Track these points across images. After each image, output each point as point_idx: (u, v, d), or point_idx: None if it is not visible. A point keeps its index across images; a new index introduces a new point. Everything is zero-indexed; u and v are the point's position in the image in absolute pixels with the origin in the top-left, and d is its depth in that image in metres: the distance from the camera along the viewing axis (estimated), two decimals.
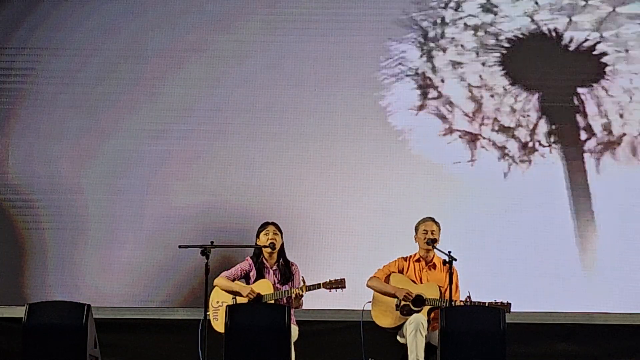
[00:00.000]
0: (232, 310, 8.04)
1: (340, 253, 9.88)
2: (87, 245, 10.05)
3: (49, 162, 10.15)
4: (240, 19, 10.22)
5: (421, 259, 8.91)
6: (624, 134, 9.98)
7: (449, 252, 8.47)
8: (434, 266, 8.89)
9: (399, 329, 8.73)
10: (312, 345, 9.40)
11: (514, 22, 10.08)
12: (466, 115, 10.04)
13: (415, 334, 8.47)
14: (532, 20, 10.05)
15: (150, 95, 10.18)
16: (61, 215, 10.09)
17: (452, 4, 10.11)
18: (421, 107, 10.07)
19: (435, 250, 8.82)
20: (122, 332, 9.84)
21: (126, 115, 10.18)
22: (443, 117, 10.04)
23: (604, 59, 10.01)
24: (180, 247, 8.71)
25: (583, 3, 10.06)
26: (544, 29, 10.05)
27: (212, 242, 8.44)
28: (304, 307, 8.85)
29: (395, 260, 8.94)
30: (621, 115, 9.99)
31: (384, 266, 8.93)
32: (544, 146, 9.99)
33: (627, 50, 10.02)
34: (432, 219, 8.94)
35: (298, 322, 8.84)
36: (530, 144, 9.99)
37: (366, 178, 10.00)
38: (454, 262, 8.46)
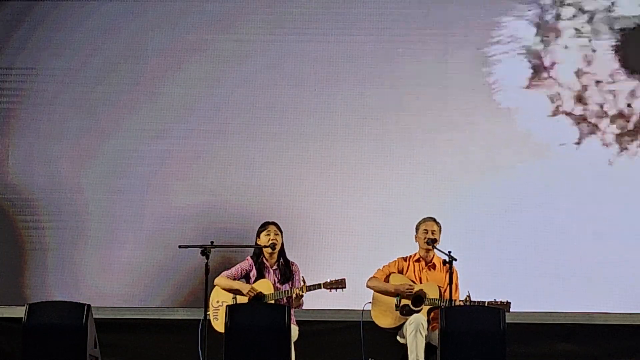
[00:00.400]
0: (232, 310, 8.04)
1: (340, 253, 9.88)
2: (87, 245, 10.05)
3: (49, 162, 10.15)
4: (240, 19, 10.22)
5: (421, 259, 8.91)
6: None
7: (449, 252, 8.47)
8: (434, 266, 8.89)
9: (399, 329, 8.73)
10: (312, 345, 9.40)
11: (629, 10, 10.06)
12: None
13: (415, 334, 8.47)
14: None
15: (150, 95, 10.18)
16: (61, 215, 10.09)
17: None
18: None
19: (435, 250, 8.82)
20: (122, 332, 9.84)
21: (126, 115, 10.18)
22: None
23: None
24: (180, 247, 8.71)
25: None
26: None
27: (212, 242, 8.44)
28: (304, 307, 8.85)
29: (395, 261, 8.94)
30: None
31: (383, 266, 8.93)
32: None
33: None
34: (433, 219, 8.94)
35: (298, 322, 8.84)
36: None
37: (366, 178, 10.00)
38: (454, 262, 8.46)
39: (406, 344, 8.56)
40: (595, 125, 10.00)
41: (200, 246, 8.41)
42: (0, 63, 10.26)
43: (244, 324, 7.95)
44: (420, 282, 8.81)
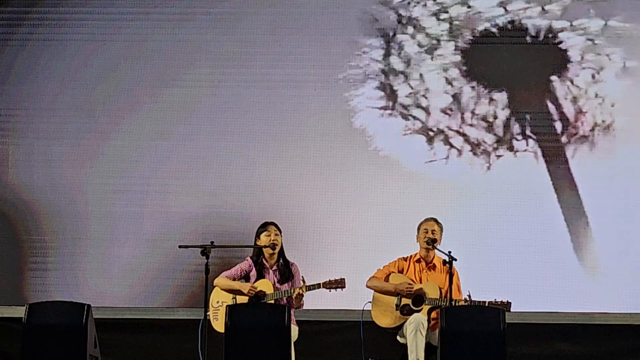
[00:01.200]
0: (232, 310, 8.04)
1: (340, 253, 9.87)
2: (87, 245, 10.05)
3: (49, 163, 10.15)
4: (240, 19, 10.22)
5: (421, 259, 8.91)
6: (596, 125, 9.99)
7: (449, 252, 8.47)
8: (434, 267, 8.88)
9: (399, 328, 8.72)
10: (312, 345, 9.40)
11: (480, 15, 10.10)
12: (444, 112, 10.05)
13: (415, 334, 8.47)
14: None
15: (151, 95, 10.18)
16: (61, 215, 10.08)
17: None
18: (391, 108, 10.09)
19: (435, 250, 8.82)
20: (122, 332, 9.84)
21: (126, 115, 10.18)
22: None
23: (570, 50, 10.01)
24: (180, 247, 8.71)
25: None
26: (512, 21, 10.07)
27: (212, 242, 8.44)
28: (304, 307, 8.85)
29: (395, 261, 8.94)
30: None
31: (383, 266, 8.93)
32: (518, 140, 9.99)
33: (592, 41, 9.99)
34: (435, 220, 8.94)
35: (298, 322, 8.84)
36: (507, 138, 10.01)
37: (366, 178, 10.00)
38: (454, 262, 8.46)
39: (406, 344, 8.55)
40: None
41: (200, 246, 8.41)
42: (0, 63, 10.26)
43: (244, 324, 7.95)
44: (421, 282, 8.81)
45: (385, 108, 10.10)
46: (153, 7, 10.27)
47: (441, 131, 10.03)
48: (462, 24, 10.04)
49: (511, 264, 9.80)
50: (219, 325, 8.61)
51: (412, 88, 10.06)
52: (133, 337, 9.91)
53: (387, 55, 10.12)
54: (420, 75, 10.08)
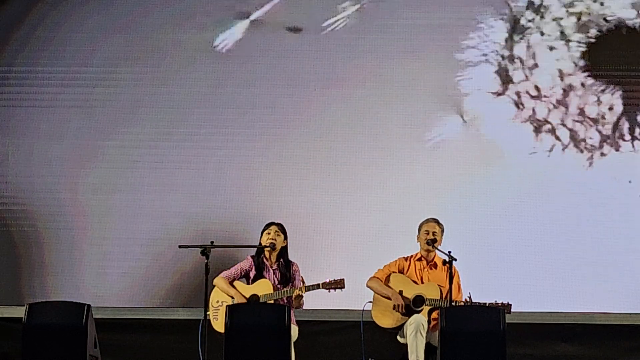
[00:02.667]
0: (232, 310, 8.04)
1: (340, 253, 9.88)
2: (86, 245, 10.05)
3: (49, 163, 10.15)
4: (241, 19, 10.22)
5: (422, 258, 8.92)
6: None
7: (449, 252, 8.47)
8: (435, 266, 8.89)
9: (399, 329, 8.73)
10: (312, 345, 9.40)
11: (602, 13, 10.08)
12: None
13: (415, 334, 8.47)
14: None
15: (151, 95, 10.19)
16: (61, 215, 10.08)
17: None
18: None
19: (435, 250, 8.82)
20: (122, 332, 9.84)
21: (126, 115, 10.18)
22: None
23: None
24: (180, 247, 8.71)
25: None
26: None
27: (212, 242, 8.44)
28: (304, 307, 8.85)
29: (396, 260, 8.94)
30: None
31: (384, 266, 8.93)
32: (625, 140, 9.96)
33: None
34: (436, 220, 8.94)
35: (298, 322, 8.84)
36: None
37: (366, 178, 10.00)
38: (454, 262, 8.46)
39: (406, 344, 8.56)
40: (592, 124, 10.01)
41: (200, 246, 8.41)
42: (0, 63, 10.26)
43: (244, 324, 7.95)
44: (422, 281, 8.81)
45: (498, 93, 10.08)
46: (153, 7, 10.27)
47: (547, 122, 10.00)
48: (591, 19, 9.98)
49: (511, 264, 9.80)
50: (218, 325, 8.61)
51: (526, 77, 10.03)
52: (133, 337, 9.91)
53: (509, 39, 10.08)
54: (536, 64, 10.04)
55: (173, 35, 10.23)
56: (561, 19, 10.00)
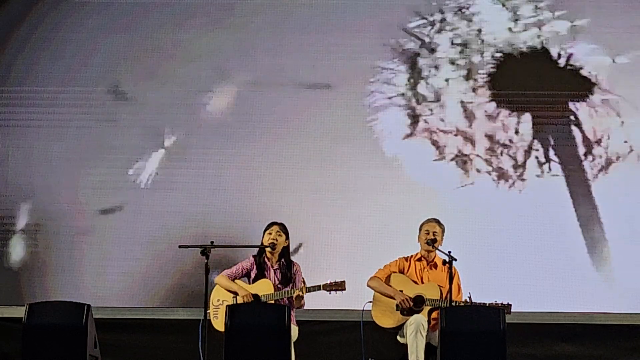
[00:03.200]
0: (232, 310, 8.04)
1: (340, 253, 9.88)
2: (86, 245, 10.05)
3: (49, 162, 10.15)
4: (240, 19, 10.22)
5: (422, 258, 8.92)
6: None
7: (449, 252, 8.47)
8: (435, 266, 8.89)
9: (399, 329, 8.72)
10: (312, 345, 9.40)
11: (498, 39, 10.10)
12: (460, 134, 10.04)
13: (415, 334, 8.47)
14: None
15: (151, 94, 10.18)
16: (61, 215, 10.08)
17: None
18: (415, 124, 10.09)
19: (436, 250, 8.82)
20: (122, 332, 9.84)
21: (126, 115, 10.18)
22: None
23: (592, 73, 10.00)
24: (180, 247, 8.71)
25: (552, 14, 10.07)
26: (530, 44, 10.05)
27: (212, 242, 8.44)
28: (304, 307, 8.85)
29: (396, 260, 8.94)
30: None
31: (384, 266, 8.93)
32: (542, 163, 9.98)
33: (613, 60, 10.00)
34: (437, 220, 8.94)
35: (298, 322, 8.84)
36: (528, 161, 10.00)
37: (366, 178, 10.00)
38: (454, 262, 8.46)
39: (406, 344, 8.55)
40: None
41: (200, 246, 8.41)
42: (0, 63, 10.26)
43: (244, 324, 7.95)
44: (422, 281, 8.81)
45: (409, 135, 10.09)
46: (153, 7, 10.27)
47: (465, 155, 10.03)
48: (476, 48, 10.03)
49: (511, 264, 9.80)
50: (219, 323, 8.61)
51: (431, 112, 10.05)
52: (133, 337, 9.91)
53: (410, 79, 10.12)
54: (439, 98, 10.07)
55: (173, 35, 10.23)
56: (451, 54, 10.07)
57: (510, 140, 9.99)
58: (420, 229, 8.95)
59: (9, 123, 10.21)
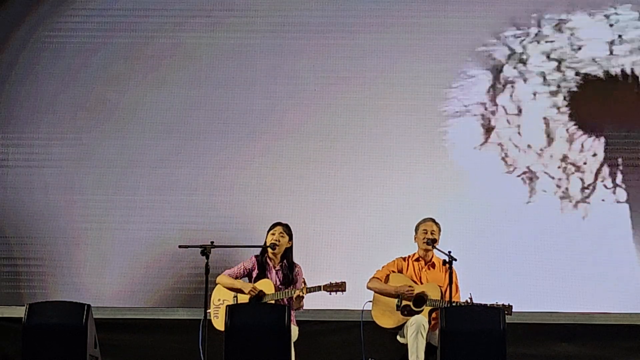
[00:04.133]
0: (232, 310, 8.04)
1: (340, 253, 9.88)
2: (87, 245, 10.05)
3: (49, 162, 10.15)
4: (241, 19, 10.23)
5: (420, 258, 8.92)
6: None
7: (449, 252, 8.47)
8: (433, 265, 8.89)
9: (399, 329, 8.72)
10: (312, 345, 9.40)
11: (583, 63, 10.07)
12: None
13: (416, 335, 8.47)
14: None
15: (151, 95, 10.19)
16: (61, 215, 10.08)
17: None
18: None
19: (435, 250, 8.82)
20: (122, 332, 9.84)
21: (126, 115, 10.18)
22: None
23: None
24: (180, 247, 8.70)
25: None
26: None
27: (212, 242, 8.44)
28: (304, 308, 8.85)
29: (394, 261, 8.94)
30: None
31: (383, 267, 8.93)
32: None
33: None
34: (433, 220, 8.94)
35: (298, 322, 8.84)
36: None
37: (366, 178, 10.00)
38: (453, 262, 8.46)
39: (406, 344, 8.55)
40: None
41: (200, 246, 8.41)
42: (0, 63, 10.26)
43: (244, 324, 7.95)
44: (420, 282, 8.81)
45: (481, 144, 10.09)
46: (153, 7, 10.27)
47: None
48: (570, 66, 10.00)
49: (511, 264, 9.80)
50: (219, 323, 8.62)
51: (509, 124, 10.04)
52: (133, 337, 9.90)
53: (491, 89, 10.10)
54: (520, 110, 10.05)
55: (173, 35, 10.23)
56: (542, 68, 10.03)
57: (584, 163, 9.95)
58: (416, 230, 8.95)
59: (9, 123, 10.21)
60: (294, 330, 8.64)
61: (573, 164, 9.95)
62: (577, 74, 10.02)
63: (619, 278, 9.79)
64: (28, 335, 7.92)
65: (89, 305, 8.05)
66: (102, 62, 10.24)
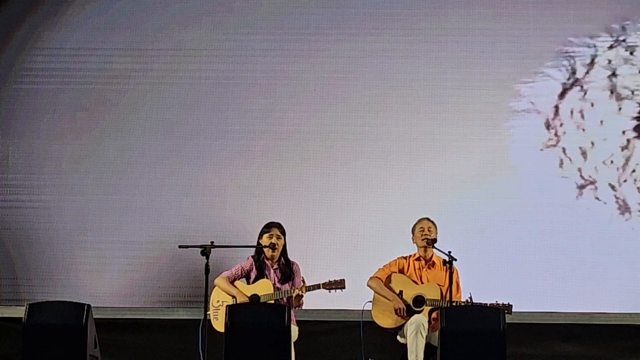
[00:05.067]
0: (232, 310, 8.04)
1: (340, 253, 9.87)
2: (86, 245, 10.05)
3: (49, 162, 10.15)
4: (241, 19, 10.23)
5: (420, 258, 8.92)
6: None
7: (449, 252, 8.47)
8: (433, 264, 8.89)
9: (399, 328, 8.73)
10: (312, 345, 9.40)
11: None
12: None
13: (416, 334, 8.47)
14: None
15: (151, 95, 10.19)
16: (61, 215, 10.08)
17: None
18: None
19: (435, 250, 8.82)
20: (122, 332, 9.84)
21: (126, 115, 10.18)
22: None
23: None
24: (180, 247, 8.70)
25: None
26: None
27: (212, 242, 8.44)
28: (304, 307, 8.85)
29: (395, 260, 8.94)
30: None
31: (384, 266, 8.93)
32: None
33: None
34: (428, 218, 8.95)
35: (298, 322, 8.84)
36: None
37: (366, 178, 10.00)
38: (454, 262, 8.46)
39: (406, 344, 8.55)
40: None
41: (200, 246, 8.41)
42: (0, 63, 10.26)
43: (244, 324, 7.95)
44: (421, 281, 8.81)
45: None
46: (154, 7, 10.27)
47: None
48: None
49: (511, 264, 9.80)
50: (219, 324, 8.62)
51: (577, 127, 10.03)
52: (133, 337, 9.90)
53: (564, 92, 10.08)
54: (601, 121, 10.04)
55: (173, 35, 10.23)
56: (615, 72, 10.02)
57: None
58: (413, 231, 8.96)
59: (9, 123, 10.21)
60: (294, 330, 8.64)
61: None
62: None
63: (619, 278, 9.79)
64: (28, 335, 7.93)
65: (89, 305, 8.05)
66: (102, 62, 10.24)
